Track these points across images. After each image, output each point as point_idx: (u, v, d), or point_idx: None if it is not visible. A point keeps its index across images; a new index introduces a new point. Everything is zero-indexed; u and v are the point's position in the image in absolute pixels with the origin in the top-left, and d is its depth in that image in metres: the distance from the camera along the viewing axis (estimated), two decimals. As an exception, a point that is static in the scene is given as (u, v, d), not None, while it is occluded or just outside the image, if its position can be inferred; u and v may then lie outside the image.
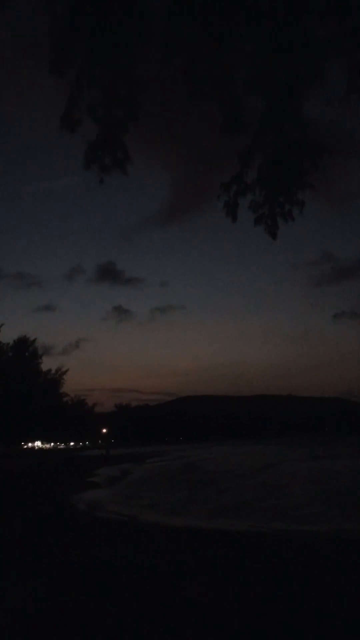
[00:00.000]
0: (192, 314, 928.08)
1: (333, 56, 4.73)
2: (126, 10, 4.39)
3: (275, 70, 4.67)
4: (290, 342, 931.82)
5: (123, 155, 5.10)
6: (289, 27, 4.54)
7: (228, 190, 5.20)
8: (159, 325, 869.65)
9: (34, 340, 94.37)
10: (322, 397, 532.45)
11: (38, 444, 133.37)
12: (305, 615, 6.57)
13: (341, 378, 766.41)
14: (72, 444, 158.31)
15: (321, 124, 5.17)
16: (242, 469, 48.99)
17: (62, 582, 8.19)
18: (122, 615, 6.50)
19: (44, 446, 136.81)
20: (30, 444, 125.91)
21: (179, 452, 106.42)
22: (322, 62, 4.69)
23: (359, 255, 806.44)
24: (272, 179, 5.01)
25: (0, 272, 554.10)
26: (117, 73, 4.85)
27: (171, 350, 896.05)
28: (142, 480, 39.10)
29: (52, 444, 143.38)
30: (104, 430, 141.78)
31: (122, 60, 4.74)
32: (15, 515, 16.93)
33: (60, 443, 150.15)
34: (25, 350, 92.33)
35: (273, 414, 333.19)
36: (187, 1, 4.30)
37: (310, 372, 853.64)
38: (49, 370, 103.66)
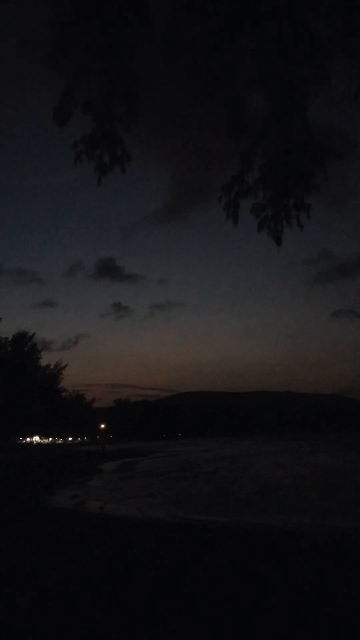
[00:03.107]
0: (190, 310, 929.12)
1: (337, 55, 4.64)
2: (128, 5, 4.30)
3: (279, 69, 4.58)
4: (289, 339, 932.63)
5: (122, 153, 4.99)
6: (293, 26, 4.45)
7: (229, 191, 5.10)
8: (158, 322, 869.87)
9: (33, 335, 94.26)
10: (320, 393, 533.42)
11: (36, 438, 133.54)
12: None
13: (339, 375, 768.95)
14: (70, 439, 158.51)
15: (322, 123, 5.08)
16: (183, 465, 50.86)
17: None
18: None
19: (42, 441, 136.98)
20: (28, 439, 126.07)
21: (172, 447, 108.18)
22: (327, 61, 4.61)
23: (357, 254, 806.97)
24: (275, 180, 4.91)
25: (0, 268, 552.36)
26: (117, 67, 4.76)
27: (170, 347, 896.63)
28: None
29: (50, 439, 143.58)
30: (102, 426, 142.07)
31: (123, 55, 4.65)
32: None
33: (59, 438, 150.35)
34: (24, 345, 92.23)
35: (271, 411, 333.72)
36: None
37: (309, 369, 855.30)
38: (48, 365, 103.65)
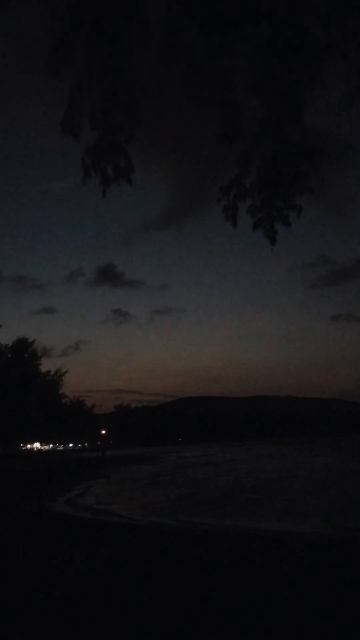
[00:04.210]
0: (190, 316, 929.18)
1: (334, 59, 4.67)
2: (126, 12, 4.34)
3: (275, 74, 4.61)
4: (289, 343, 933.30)
5: (126, 164, 5.01)
6: (289, 30, 4.49)
7: (227, 194, 5.14)
8: (158, 328, 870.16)
9: (33, 341, 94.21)
10: (321, 397, 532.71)
11: (37, 445, 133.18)
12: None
13: (339, 379, 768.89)
14: (70, 445, 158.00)
15: (318, 128, 5.12)
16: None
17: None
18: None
19: (42, 447, 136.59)
20: (29, 445, 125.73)
21: (170, 453, 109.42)
22: (323, 65, 4.64)
23: (355, 258, 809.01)
24: (270, 182, 4.95)
25: (0, 275, 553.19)
26: (117, 75, 4.79)
27: (170, 352, 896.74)
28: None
29: (50, 445, 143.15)
30: (103, 432, 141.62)
31: (122, 63, 4.69)
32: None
33: (59, 444, 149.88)
34: (24, 352, 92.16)
35: (272, 415, 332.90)
36: (187, 4, 4.25)
37: (309, 373, 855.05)
38: (48, 372, 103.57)
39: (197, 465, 59.76)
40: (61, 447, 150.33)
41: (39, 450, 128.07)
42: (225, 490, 29.51)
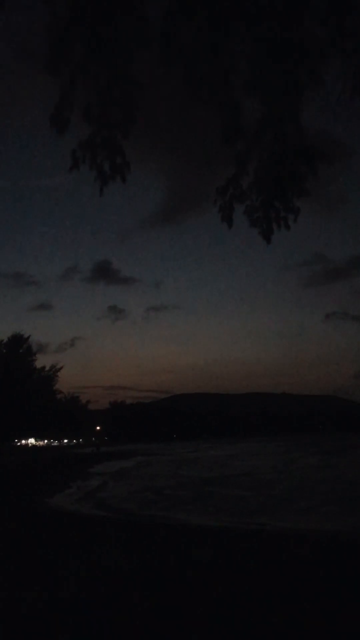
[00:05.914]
0: (186, 313, 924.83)
1: (333, 58, 4.67)
2: (125, 10, 4.32)
3: (274, 73, 4.61)
4: (283, 340, 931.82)
5: (122, 162, 5.00)
6: (288, 29, 4.48)
7: (224, 194, 5.13)
8: (154, 324, 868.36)
9: (28, 337, 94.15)
10: (315, 395, 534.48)
11: (32, 441, 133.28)
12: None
13: (333, 376, 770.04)
14: (65, 441, 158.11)
15: (316, 128, 5.13)
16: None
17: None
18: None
19: (37, 443, 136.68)
20: (23, 441, 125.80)
21: (161, 450, 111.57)
22: (322, 64, 4.64)
23: (350, 256, 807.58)
24: (268, 183, 4.95)
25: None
26: (114, 72, 4.77)
27: (165, 349, 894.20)
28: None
29: (45, 441, 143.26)
30: (98, 428, 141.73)
31: (120, 60, 4.67)
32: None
33: (54, 440, 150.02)
34: (19, 348, 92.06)
35: (267, 412, 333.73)
36: (186, 3, 4.24)
37: (303, 371, 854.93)
38: (43, 367, 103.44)
39: (172, 462, 64.06)
40: (56, 443, 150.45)
41: (33, 446, 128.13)
42: (176, 484, 32.83)
